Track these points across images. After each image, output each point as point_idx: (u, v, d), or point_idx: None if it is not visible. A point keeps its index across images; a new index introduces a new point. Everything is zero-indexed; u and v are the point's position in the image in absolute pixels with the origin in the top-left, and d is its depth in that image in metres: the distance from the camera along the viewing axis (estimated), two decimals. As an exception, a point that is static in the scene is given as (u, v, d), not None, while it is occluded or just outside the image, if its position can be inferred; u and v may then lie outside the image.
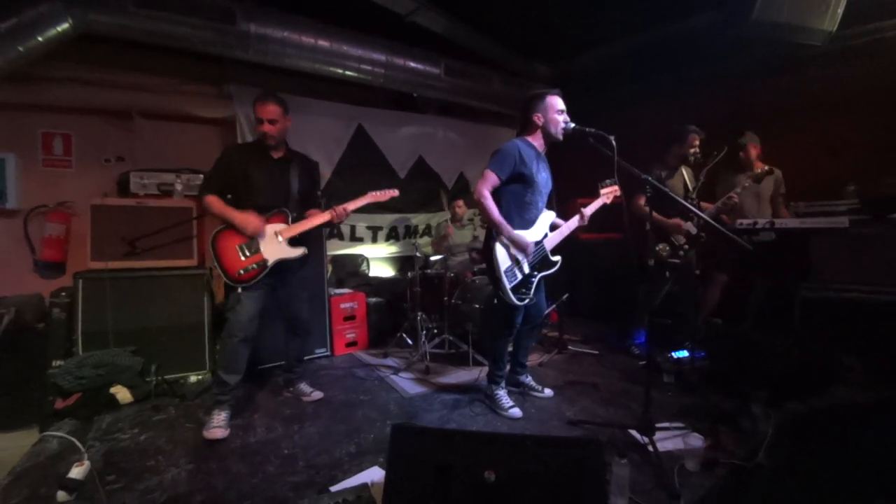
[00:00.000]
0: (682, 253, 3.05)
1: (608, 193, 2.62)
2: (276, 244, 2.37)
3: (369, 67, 3.87)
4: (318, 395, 2.76)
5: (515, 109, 4.45)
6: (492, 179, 2.32)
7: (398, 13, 3.50)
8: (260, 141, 2.44)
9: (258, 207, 2.36)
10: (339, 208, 2.44)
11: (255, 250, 2.32)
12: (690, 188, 3.23)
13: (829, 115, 3.65)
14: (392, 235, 5.01)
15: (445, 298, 3.46)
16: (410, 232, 5.13)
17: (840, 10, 2.77)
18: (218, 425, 2.23)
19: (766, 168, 3.18)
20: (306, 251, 2.44)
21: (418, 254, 3.74)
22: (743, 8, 2.79)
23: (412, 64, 4.07)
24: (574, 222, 2.54)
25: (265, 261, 2.32)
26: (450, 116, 5.32)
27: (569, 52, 4.54)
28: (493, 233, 2.36)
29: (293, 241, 2.42)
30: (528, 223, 2.42)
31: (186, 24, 3.07)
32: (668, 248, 3.06)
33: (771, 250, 3.04)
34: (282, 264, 2.38)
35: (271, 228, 2.37)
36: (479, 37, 4.07)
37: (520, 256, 2.36)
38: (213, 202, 2.34)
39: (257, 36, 3.30)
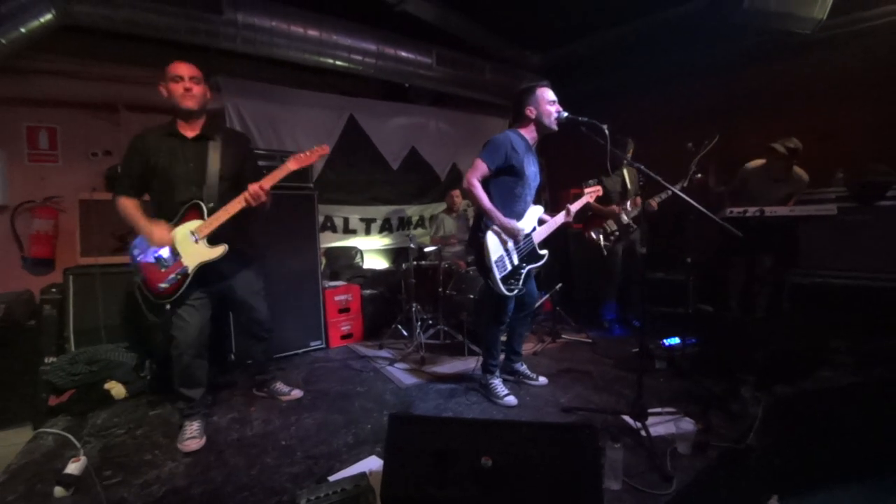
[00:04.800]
0: (612, 238, 3.52)
1: (591, 192, 2.71)
2: (194, 246, 2.03)
3: (360, 57, 3.82)
4: (297, 393, 2.59)
5: (507, 99, 4.43)
6: (481, 168, 2.32)
7: (387, 1, 3.45)
8: (171, 122, 2.10)
9: (174, 204, 2.04)
10: (254, 186, 2.01)
11: (174, 258, 2.02)
12: (629, 187, 3.70)
13: (819, 102, 3.68)
14: (386, 227, 5.00)
15: (440, 289, 3.47)
16: (404, 223, 5.13)
17: (830, -1, 2.79)
18: (192, 436, 2.07)
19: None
20: (227, 248, 2.06)
21: (412, 245, 3.74)
22: (734, -5, 2.81)
23: (403, 53, 4.03)
24: (560, 218, 2.57)
25: (185, 268, 2.01)
26: (442, 107, 5.29)
27: (560, 40, 4.51)
28: (482, 223, 2.37)
29: (214, 239, 2.05)
30: (517, 216, 2.41)
31: (171, 14, 3.01)
32: (601, 232, 3.56)
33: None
34: (210, 269, 2.07)
35: (185, 229, 2.03)
36: (470, 25, 4.03)
37: (510, 245, 2.38)
38: (125, 207, 2.04)
39: (245, 25, 3.25)
